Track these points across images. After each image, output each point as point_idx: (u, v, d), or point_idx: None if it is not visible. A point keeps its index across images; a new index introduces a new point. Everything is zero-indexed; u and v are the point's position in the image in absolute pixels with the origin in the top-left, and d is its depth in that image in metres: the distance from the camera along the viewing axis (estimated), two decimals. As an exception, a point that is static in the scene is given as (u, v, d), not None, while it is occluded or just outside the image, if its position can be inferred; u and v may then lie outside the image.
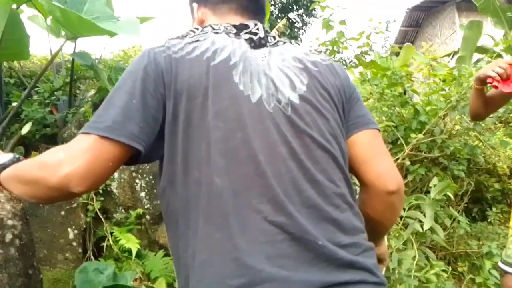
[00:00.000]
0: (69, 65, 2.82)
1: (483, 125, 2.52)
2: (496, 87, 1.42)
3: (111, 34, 2.24)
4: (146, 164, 2.25)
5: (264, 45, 0.82)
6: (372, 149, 0.84)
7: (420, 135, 2.19)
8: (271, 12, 18.02)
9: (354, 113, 0.85)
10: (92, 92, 2.89)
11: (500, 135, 3.16)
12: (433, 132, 2.34)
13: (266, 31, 0.84)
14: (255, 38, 0.82)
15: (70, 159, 0.65)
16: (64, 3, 2.20)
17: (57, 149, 0.69)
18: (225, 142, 0.69)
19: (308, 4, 16.82)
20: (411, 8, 14.27)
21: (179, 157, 0.69)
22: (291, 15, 16.95)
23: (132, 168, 2.28)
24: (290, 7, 17.16)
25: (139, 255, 2.22)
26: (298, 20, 18.03)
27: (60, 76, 2.91)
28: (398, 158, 2.34)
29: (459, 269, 2.54)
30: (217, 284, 0.64)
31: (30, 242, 1.38)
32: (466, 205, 3.13)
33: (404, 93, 2.65)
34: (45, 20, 2.82)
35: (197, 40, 0.77)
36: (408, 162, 2.34)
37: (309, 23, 17.60)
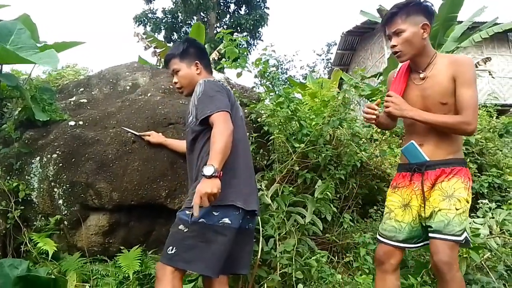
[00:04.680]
0: (-5, 86, 3.02)
1: (361, 136, 3.04)
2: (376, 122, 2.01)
3: (31, 63, 2.50)
4: (64, 174, 2.50)
5: None
6: None
7: (302, 145, 2.65)
8: (217, 33, 18.62)
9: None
10: (18, 110, 3.09)
11: (385, 146, 3.73)
12: (317, 142, 2.81)
13: None
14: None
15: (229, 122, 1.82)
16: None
17: (223, 120, 1.81)
18: (244, 135, 1.99)
19: (251, 27, 17.66)
20: (345, 33, 15.43)
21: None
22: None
23: (51, 178, 2.52)
24: (233, 33, 17.81)
25: (57, 258, 2.45)
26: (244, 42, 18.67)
27: (-13, 95, 3.09)
28: (288, 164, 2.78)
29: (346, 259, 2.99)
30: None
31: None
32: (360, 206, 3.64)
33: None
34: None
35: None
36: (296, 168, 2.78)
37: (253, 45, 18.39)
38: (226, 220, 1.72)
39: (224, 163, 1.69)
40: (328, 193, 2.62)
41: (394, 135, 4.38)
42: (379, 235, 2.01)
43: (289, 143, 2.82)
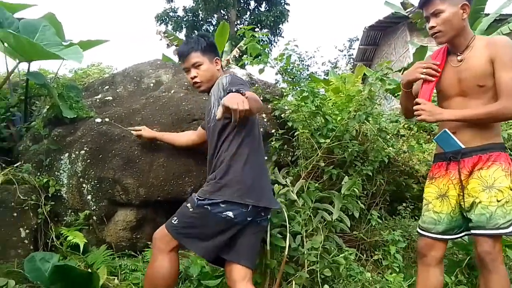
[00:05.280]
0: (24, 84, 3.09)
1: (387, 132, 2.96)
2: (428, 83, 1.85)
3: (57, 58, 2.54)
4: (91, 170, 2.54)
5: None
6: None
7: (327, 140, 2.60)
8: (237, 31, 18.64)
9: None
10: (46, 108, 3.15)
11: (413, 142, 3.62)
12: (343, 137, 2.75)
13: None
14: None
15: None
16: (18, 31, 2.50)
17: (255, 94, 1.78)
18: (259, 133, 2.02)
19: (272, 24, 17.58)
20: (368, 28, 15.15)
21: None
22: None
23: (79, 174, 2.55)
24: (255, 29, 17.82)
25: (85, 251, 2.49)
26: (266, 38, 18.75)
27: (16, 94, 3.17)
28: (314, 160, 2.73)
29: (375, 257, 2.92)
30: None
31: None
32: (388, 203, 3.56)
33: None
34: (3, 43, 3.09)
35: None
36: (322, 164, 2.73)
37: (274, 41, 18.31)
38: (230, 214, 1.76)
39: (237, 160, 1.81)
40: (355, 189, 2.56)
41: (422, 130, 4.27)
42: (419, 228, 1.96)
43: (314, 138, 2.76)
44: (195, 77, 2.11)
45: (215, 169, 1.86)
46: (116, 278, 2.30)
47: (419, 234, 1.96)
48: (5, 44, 3.06)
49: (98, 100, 3.26)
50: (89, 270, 2.01)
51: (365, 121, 2.73)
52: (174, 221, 1.84)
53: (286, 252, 2.04)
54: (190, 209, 1.82)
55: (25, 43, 2.39)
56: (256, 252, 1.95)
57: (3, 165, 2.57)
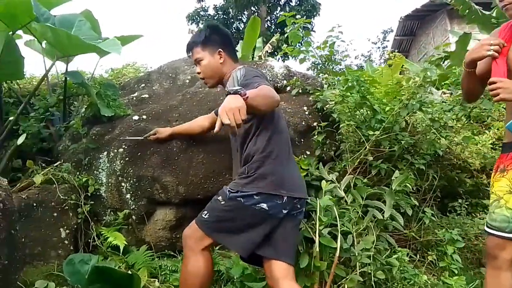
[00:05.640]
0: (63, 84, 3.09)
1: (441, 122, 2.72)
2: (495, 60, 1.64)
3: (95, 50, 2.49)
4: (130, 168, 2.48)
5: None
6: None
7: (377, 132, 2.40)
8: (268, 27, 18.50)
9: None
10: (84, 107, 3.14)
11: (467, 133, 3.35)
12: (392, 129, 2.55)
13: None
14: None
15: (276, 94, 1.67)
16: (54, 26, 2.47)
17: (269, 88, 1.65)
18: (285, 126, 1.97)
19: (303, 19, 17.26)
20: (404, 17, 14.58)
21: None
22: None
23: (118, 172, 2.50)
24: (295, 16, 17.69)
25: (125, 252, 2.43)
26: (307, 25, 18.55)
27: (55, 94, 3.18)
28: (361, 154, 2.55)
29: (429, 258, 2.70)
30: None
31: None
32: (439, 199, 3.30)
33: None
34: (40, 44, 3.10)
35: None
36: (370, 158, 2.54)
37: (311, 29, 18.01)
38: (264, 206, 1.68)
39: (267, 154, 1.73)
40: (408, 184, 2.36)
41: (473, 121, 3.96)
42: (488, 226, 1.74)
43: (360, 131, 2.58)
44: (198, 73, 2.03)
45: (245, 164, 1.79)
46: (156, 280, 2.22)
47: (488, 233, 1.74)
48: (43, 45, 3.09)
49: (134, 98, 3.22)
50: (130, 272, 1.93)
51: (418, 110, 2.50)
52: (205, 215, 1.77)
53: (337, 253, 1.88)
54: (222, 202, 1.74)
55: (64, 37, 2.35)
56: (295, 248, 1.85)
57: (43, 165, 2.55)
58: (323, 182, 2.16)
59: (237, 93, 1.42)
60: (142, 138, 2.46)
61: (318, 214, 1.93)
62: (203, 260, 1.76)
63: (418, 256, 2.65)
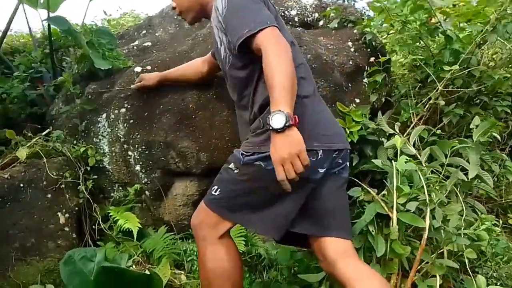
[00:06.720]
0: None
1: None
2: None
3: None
4: (137, 133, 1.96)
5: None
6: None
7: (456, 67, 1.80)
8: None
9: None
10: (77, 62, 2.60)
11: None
12: (469, 63, 1.95)
13: None
14: None
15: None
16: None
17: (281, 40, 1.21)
18: (302, 58, 1.47)
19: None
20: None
21: None
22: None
23: (122, 138, 1.99)
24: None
25: (141, 235, 1.98)
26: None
27: (40, 48, 2.62)
28: (430, 98, 1.98)
29: (510, 222, 2.21)
30: None
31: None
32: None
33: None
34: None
35: None
36: (442, 102, 1.97)
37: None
38: None
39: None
40: (494, 134, 1.81)
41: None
42: None
43: (429, 67, 1.99)
44: (174, 8, 1.63)
45: (259, 115, 1.36)
46: (182, 273, 1.77)
47: None
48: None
49: (135, 47, 2.67)
50: (148, 272, 1.46)
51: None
52: (215, 191, 1.35)
53: (425, 235, 1.37)
54: (235, 171, 1.32)
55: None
56: (348, 217, 1.39)
57: (29, 135, 2.05)
58: (396, 137, 1.61)
59: (286, 128, 1.07)
60: (132, 87, 1.99)
61: (395, 181, 1.40)
62: (224, 251, 1.34)
63: (500, 221, 2.14)
